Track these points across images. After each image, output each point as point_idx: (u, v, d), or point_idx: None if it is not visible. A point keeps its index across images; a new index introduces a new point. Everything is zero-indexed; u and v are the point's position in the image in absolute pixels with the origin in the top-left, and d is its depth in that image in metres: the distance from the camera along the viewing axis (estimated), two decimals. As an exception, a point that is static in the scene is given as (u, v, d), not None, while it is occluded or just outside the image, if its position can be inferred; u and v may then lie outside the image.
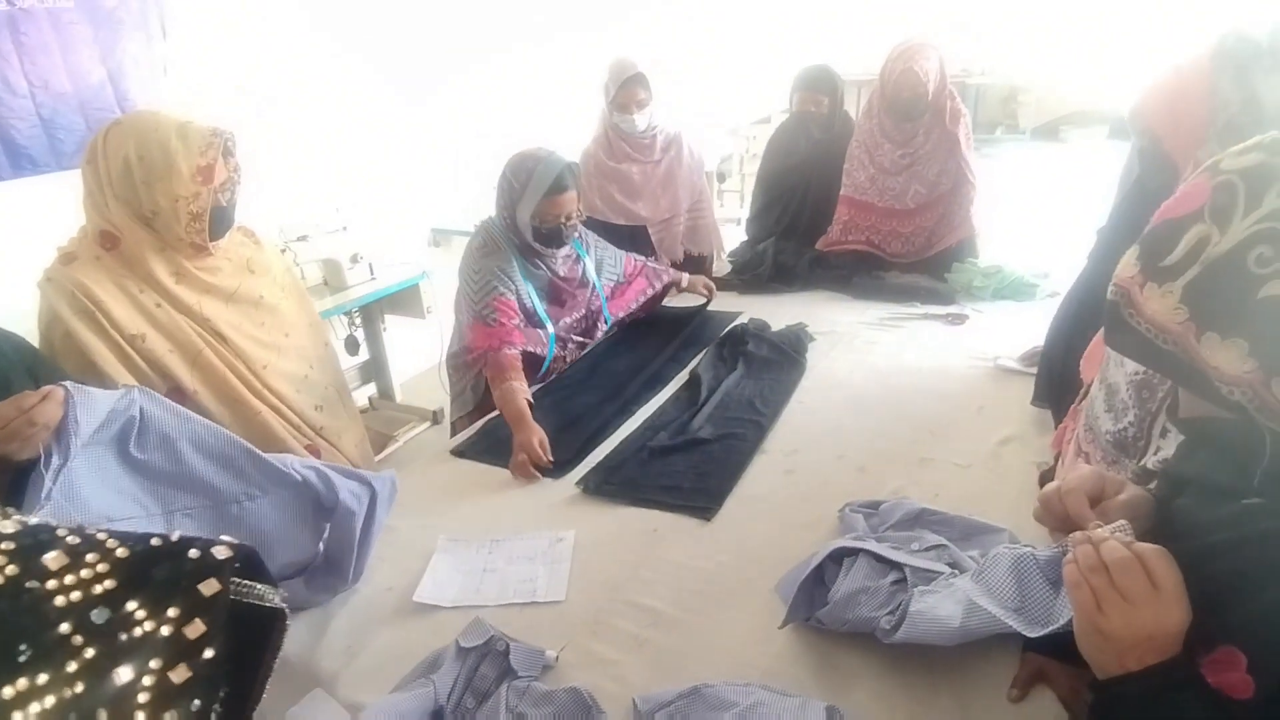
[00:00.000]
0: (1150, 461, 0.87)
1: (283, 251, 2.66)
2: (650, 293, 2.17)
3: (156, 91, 2.58)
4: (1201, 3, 4.93)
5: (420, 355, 3.58)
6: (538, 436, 1.51)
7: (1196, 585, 0.61)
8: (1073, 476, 0.72)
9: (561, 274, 1.90)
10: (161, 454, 0.95)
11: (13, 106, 2.23)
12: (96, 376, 1.25)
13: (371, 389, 3.42)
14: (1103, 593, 0.60)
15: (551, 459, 1.49)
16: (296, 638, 1.09)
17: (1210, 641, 0.60)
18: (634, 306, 2.13)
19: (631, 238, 2.45)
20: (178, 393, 1.35)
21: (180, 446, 0.96)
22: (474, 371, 1.81)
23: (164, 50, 2.58)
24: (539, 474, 1.47)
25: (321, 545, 1.11)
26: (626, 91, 2.28)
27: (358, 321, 3.22)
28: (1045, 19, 6.56)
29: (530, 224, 1.75)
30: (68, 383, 0.92)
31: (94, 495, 0.88)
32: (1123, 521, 0.64)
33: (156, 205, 1.27)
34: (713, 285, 2.24)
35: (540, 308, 1.86)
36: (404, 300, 3.14)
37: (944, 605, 0.87)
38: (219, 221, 1.34)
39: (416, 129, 3.48)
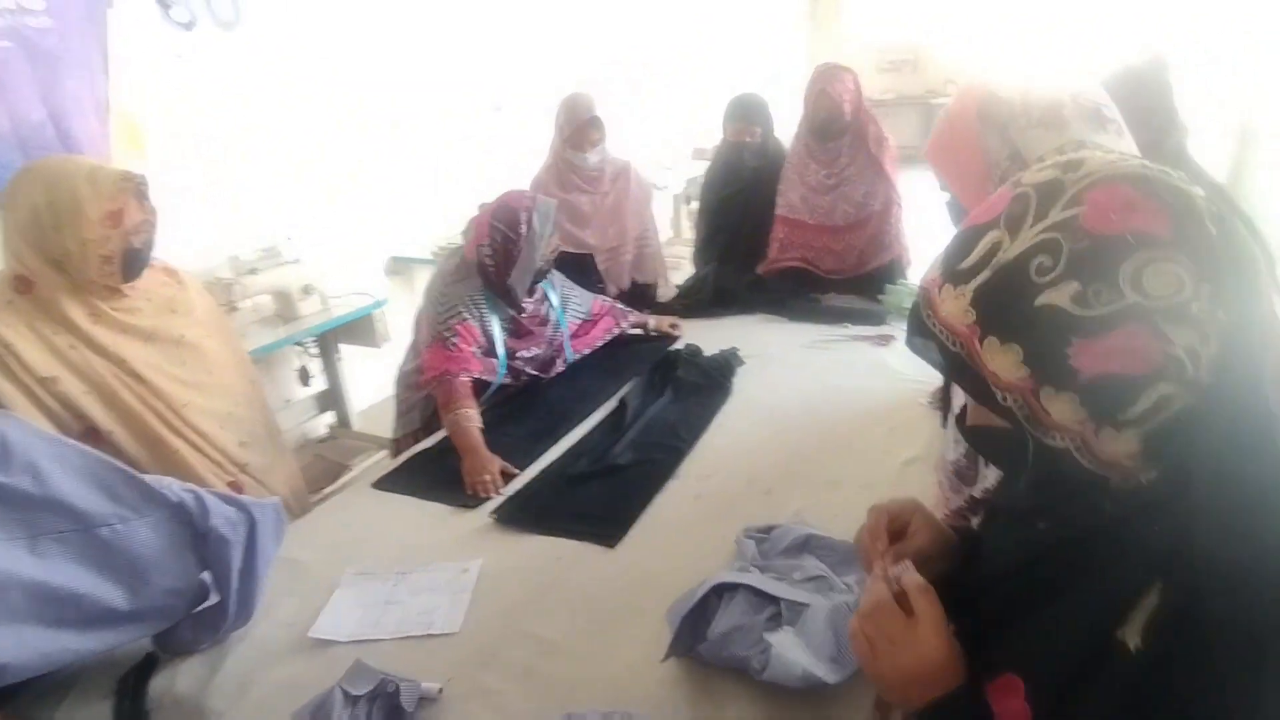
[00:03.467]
0: (978, 491, 0.91)
1: (233, 285, 2.70)
2: (615, 332, 2.22)
3: (100, 130, 2.61)
4: (1148, 20, 5.07)
5: (378, 384, 3.60)
6: (499, 464, 1.58)
7: (983, 613, 0.64)
8: (876, 510, 0.76)
9: (528, 310, 1.95)
10: (28, 477, 0.95)
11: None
12: (5, 419, 1.27)
13: (330, 418, 3.44)
14: (873, 638, 0.64)
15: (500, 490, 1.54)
16: (189, 673, 1.11)
17: (994, 669, 0.62)
18: (598, 344, 2.17)
19: (579, 266, 2.50)
20: (93, 433, 1.37)
21: (46, 469, 0.96)
22: (424, 392, 1.85)
23: (106, 89, 2.61)
24: (490, 491, 1.53)
25: (206, 576, 1.11)
26: (581, 133, 2.38)
27: (314, 351, 3.24)
28: (1006, 40, 6.73)
29: (529, 268, 1.84)
30: None
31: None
32: (906, 562, 0.68)
33: (66, 249, 1.30)
34: (679, 325, 2.30)
35: (500, 339, 1.89)
36: (359, 329, 3.16)
37: (793, 651, 0.92)
38: (131, 264, 1.36)
39: (374, 158, 3.52)
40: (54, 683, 1.09)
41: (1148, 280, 0.48)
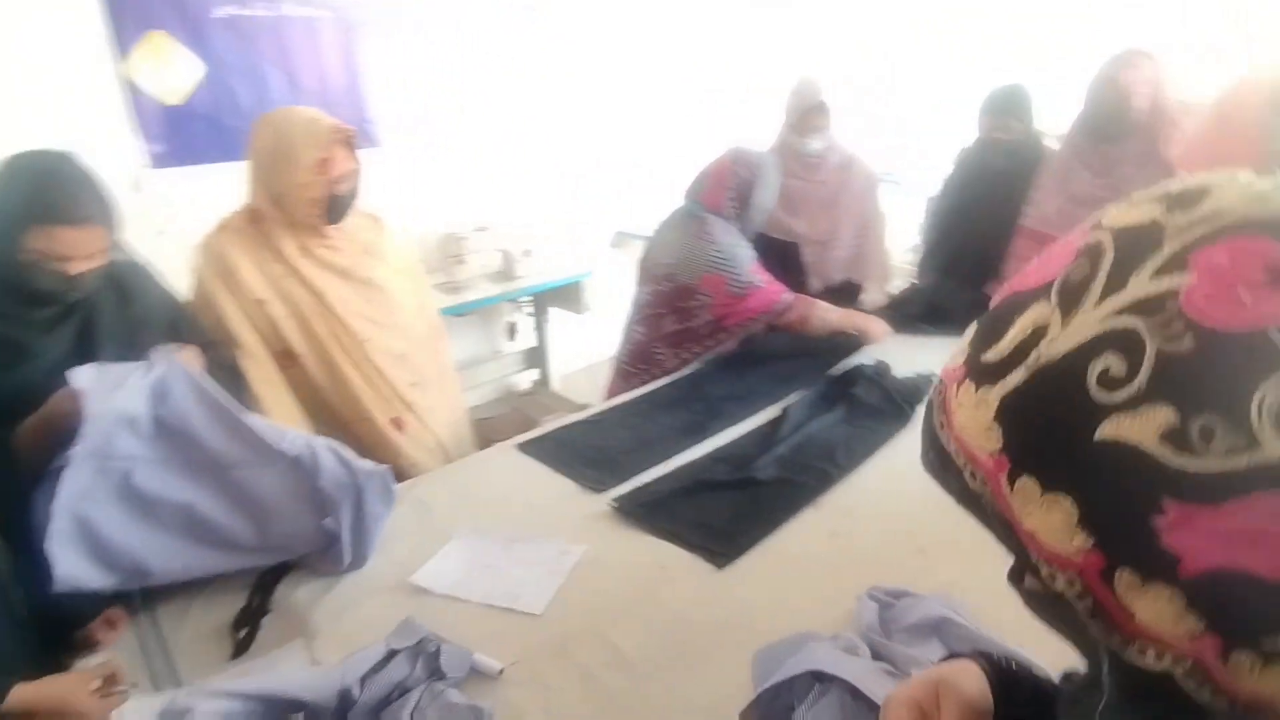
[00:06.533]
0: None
1: (465, 239, 2.93)
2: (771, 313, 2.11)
3: (388, 94, 2.95)
4: None
5: (581, 351, 3.73)
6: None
7: None
8: (902, 690, 0.56)
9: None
10: (180, 416, 1.09)
11: (268, 100, 2.68)
12: (224, 331, 1.47)
13: (535, 374, 3.65)
14: None
15: None
16: (308, 588, 1.20)
17: None
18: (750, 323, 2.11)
19: (782, 254, 2.35)
20: (288, 354, 1.54)
21: (195, 411, 1.10)
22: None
23: (397, 56, 2.94)
24: None
25: (329, 522, 1.19)
26: (806, 118, 2.27)
27: (529, 311, 3.45)
28: None
29: (765, 205, 2.04)
30: (87, 371, 1.07)
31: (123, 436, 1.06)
32: None
33: (282, 189, 1.46)
34: (873, 332, 2.05)
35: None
36: (568, 295, 3.31)
37: None
38: (334, 208, 1.50)
39: (606, 141, 3.62)
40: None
41: None
